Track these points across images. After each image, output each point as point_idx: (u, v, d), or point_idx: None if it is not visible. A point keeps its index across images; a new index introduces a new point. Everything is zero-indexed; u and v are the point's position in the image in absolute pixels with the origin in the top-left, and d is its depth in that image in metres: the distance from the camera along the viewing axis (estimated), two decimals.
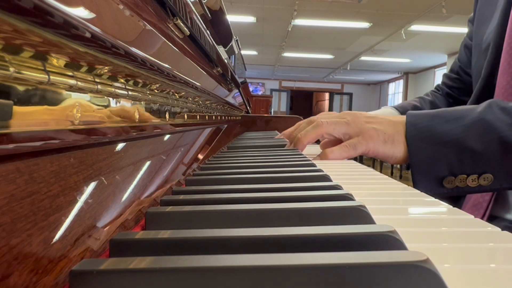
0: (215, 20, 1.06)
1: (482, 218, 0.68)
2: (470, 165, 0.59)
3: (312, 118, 0.80)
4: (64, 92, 0.22)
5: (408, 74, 11.57)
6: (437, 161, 0.60)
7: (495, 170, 0.58)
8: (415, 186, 0.61)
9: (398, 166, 6.97)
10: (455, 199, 0.79)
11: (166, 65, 0.39)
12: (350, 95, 14.13)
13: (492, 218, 0.70)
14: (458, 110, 0.64)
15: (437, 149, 0.60)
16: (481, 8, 0.84)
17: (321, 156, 0.73)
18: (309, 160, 0.61)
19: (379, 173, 0.60)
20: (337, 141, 0.76)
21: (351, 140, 0.69)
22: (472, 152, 0.59)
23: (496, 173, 0.58)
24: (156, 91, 0.41)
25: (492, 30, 0.76)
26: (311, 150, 0.86)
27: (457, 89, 0.99)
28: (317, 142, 0.84)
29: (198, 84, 0.58)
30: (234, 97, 1.46)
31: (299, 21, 6.37)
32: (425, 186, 0.61)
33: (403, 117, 0.66)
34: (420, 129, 0.63)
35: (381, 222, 0.27)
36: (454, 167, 0.60)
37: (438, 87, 1.06)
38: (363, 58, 9.32)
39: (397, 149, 0.65)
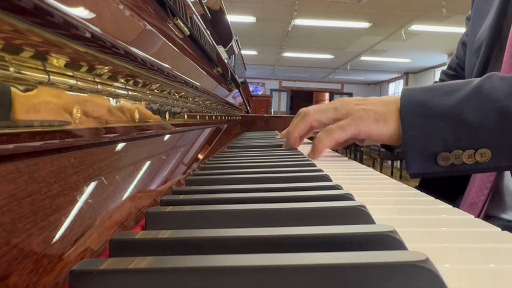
0: (215, 20, 1.06)
1: (478, 217, 0.68)
2: (466, 139, 0.55)
3: (301, 109, 0.75)
4: (64, 92, 0.22)
5: (408, 74, 11.57)
6: (431, 136, 0.56)
7: (493, 144, 0.54)
8: (407, 165, 0.58)
9: (398, 166, 6.98)
10: (453, 198, 0.79)
11: (166, 65, 0.39)
12: (350, 95, 14.11)
13: (488, 218, 0.70)
14: (455, 83, 0.60)
15: (432, 123, 0.57)
16: (478, 5, 0.83)
17: (312, 148, 0.69)
18: (309, 160, 0.61)
19: (379, 173, 0.60)
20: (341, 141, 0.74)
21: (339, 122, 0.65)
22: (468, 125, 0.55)
23: (494, 148, 0.54)
24: (156, 91, 0.41)
25: (485, 29, 0.74)
26: (308, 149, 0.86)
27: None
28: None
29: (198, 84, 0.58)
30: (234, 97, 1.46)
31: (299, 21, 6.37)
32: (418, 165, 0.57)
33: (398, 96, 0.63)
34: (415, 103, 0.59)
35: (381, 222, 0.27)
36: (449, 142, 0.56)
37: None
38: (363, 58, 9.32)
39: (391, 127, 0.61)
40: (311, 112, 0.69)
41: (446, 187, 0.77)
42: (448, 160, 0.56)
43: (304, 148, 0.79)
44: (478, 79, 0.58)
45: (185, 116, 0.56)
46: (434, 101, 0.57)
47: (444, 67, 1.05)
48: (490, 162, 0.54)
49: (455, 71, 0.97)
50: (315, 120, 0.69)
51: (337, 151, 0.98)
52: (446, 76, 1.00)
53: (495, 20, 0.72)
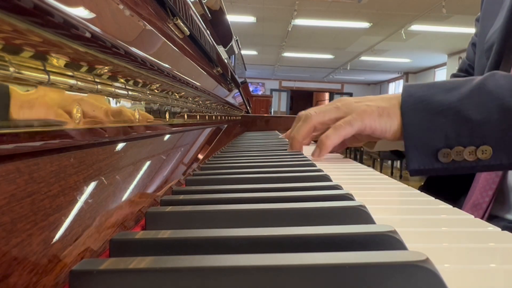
0: (215, 20, 1.06)
1: (482, 218, 0.68)
2: (468, 136, 0.54)
3: (301, 113, 0.74)
4: (64, 92, 0.22)
5: (408, 74, 11.57)
6: (432, 132, 0.56)
7: (494, 142, 0.54)
8: (408, 162, 0.58)
9: (398, 166, 6.97)
10: (455, 199, 0.79)
11: (166, 65, 0.39)
12: (350, 95, 14.10)
13: (492, 218, 0.70)
14: (458, 80, 0.60)
15: (433, 119, 0.56)
16: (487, 5, 0.82)
17: (319, 146, 0.68)
18: (309, 160, 0.61)
19: (379, 173, 0.60)
20: (346, 139, 0.74)
21: (345, 118, 0.64)
22: (469, 122, 0.54)
23: (495, 146, 0.54)
24: (156, 91, 0.41)
25: (496, 30, 0.73)
26: (308, 149, 0.86)
27: None
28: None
29: (198, 84, 0.58)
30: (234, 97, 1.46)
31: (299, 21, 6.37)
32: (418, 161, 0.57)
33: (398, 93, 0.62)
34: (416, 99, 0.58)
35: (381, 222, 0.27)
36: (450, 138, 0.55)
37: None
38: (363, 58, 9.32)
39: (394, 122, 0.60)
40: (313, 115, 0.68)
41: (450, 187, 0.77)
42: (449, 156, 0.55)
43: (305, 149, 0.79)
44: (481, 77, 0.58)
45: (185, 116, 0.56)
46: (436, 97, 0.57)
47: (444, 68, 1.04)
48: (491, 159, 0.54)
49: (467, 72, 0.95)
50: (318, 122, 0.68)
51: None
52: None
53: (506, 21, 0.71)
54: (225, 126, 1.15)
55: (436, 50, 8.34)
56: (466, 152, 0.55)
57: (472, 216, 0.33)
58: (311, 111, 0.70)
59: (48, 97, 0.20)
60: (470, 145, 0.55)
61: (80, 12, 0.20)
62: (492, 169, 0.57)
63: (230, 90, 1.28)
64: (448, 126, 0.55)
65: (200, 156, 0.65)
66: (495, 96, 0.54)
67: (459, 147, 0.55)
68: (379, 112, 0.62)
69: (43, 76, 0.19)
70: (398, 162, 6.76)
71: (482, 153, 0.54)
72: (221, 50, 1.14)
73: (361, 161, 5.67)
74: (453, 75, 1.00)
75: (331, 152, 0.83)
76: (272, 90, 13.72)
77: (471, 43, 0.93)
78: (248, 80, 3.48)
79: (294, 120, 0.76)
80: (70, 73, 0.22)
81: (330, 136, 0.65)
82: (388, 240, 0.22)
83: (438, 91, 0.58)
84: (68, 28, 0.20)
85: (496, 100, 0.54)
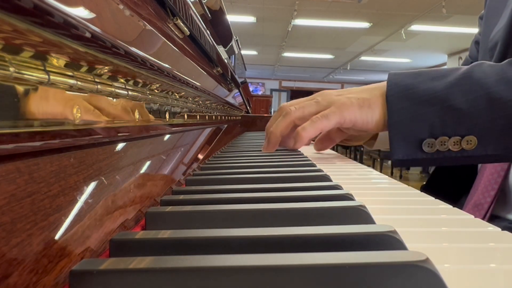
0: (215, 20, 1.06)
1: (483, 218, 0.68)
2: (453, 125, 0.54)
3: (281, 105, 0.72)
4: (64, 92, 0.22)
5: None
6: (417, 122, 0.55)
7: (480, 132, 0.53)
8: (392, 151, 0.56)
9: None
10: (456, 199, 0.79)
11: (166, 65, 0.39)
12: None
13: (493, 218, 0.70)
14: (444, 69, 0.58)
15: (418, 108, 0.55)
16: (491, 3, 0.81)
17: (295, 138, 0.67)
18: (309, 160, 0.61)
19: (379, 173, 0.60)
20: (331, 134, 0.72)
21: (323, 111, 0.63)
22: (455, 111, 0.53)
23: (481, 136, 0.53)
24: (156, 91, 0.41)
25: (500, 29, 0.72)
26: (308, 149, 0.87)
27: None
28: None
29: (198, 84, 0.58)
30: (234, 97, 1.46)
31: (299, 21, 6.37)
32: (402, 151, 0.56)
33: (383, 83, 0.61)
34: (401, 87, 0.57)
35: (381, 222, 0.27)
36: (435, 128, 0.54)
37: None
38: (363, 58, 9.33)
39: (375, 112, 0.59)
40: (292, 110, 0.67)
41: (451, 187, 0.77)
42: (434, 146, 0.55)
43: (305, 149, 0.79)
44: (467, 66, 0.57)
45: (185, 116, 0.56)
46: (422, 86, 0.56)
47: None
48: (475, 149, 0.53)
49: None
50: (297, 118, 0.67)
51: (336, 149, 0.97)
52: None
53: (511, 20, 0.70)
54: (225, 126, 1.15)
55: (436, 50, 8.34)
56: (450, 142, 0.54)
57: (472, 216, 0.33)
58: (291, 106, 0.68)
59: (48, 97, 0.20)
60: (455, 135, 0.54)
61: (80, 12, 0.20)
62: (476, 160, 0.56)
63: (230, 90, 1.28)
64: (433, 115, 0.54)
65: (200, 156, 0.65)
66: (481, 86, 0.53)
67: (444, 137, 0.54)
68: (359, 104, 0.61)
69: (43, 76, 0.19)
70: None
71: (467, 144, 0.53)
72: (221, 50, 1.14)
73: (361, 161, 5.67)
74: None
75: (321, 150, 0.82)
76: (272, 90, 13.73)
77: (474, 41, 0.92)
78: (248, 80, 3.48)
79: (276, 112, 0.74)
80: (70, 73, 0.22)
81: (306, 128, 0.64)
82: (388, 240, 0.22)
83: (423, 79, 0.57)
84: (68, 28, 0.20)
85: (482, 89, 0.53)
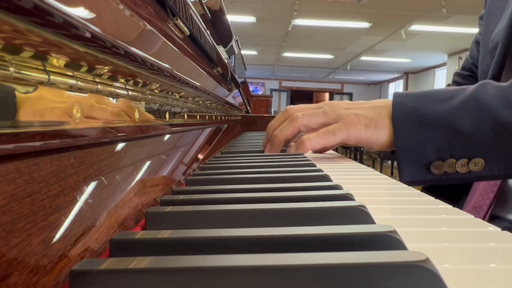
0: (215, 20, 1.06)
1: (483, 219, 0.67)
2: (460, 148, 0.54)
3: (288, 109, 0.72)
4: (64, 92, 0.22)
5: (408, 74, 11.57)
6: (424, 144, 0.56)
7: (487, 154, 0.53)
8: (400, 173, 0.57)
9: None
10: (456, 199, 0.79)
11: (166, 65, 0.39)
12: (350, 95, 14.12)
13: (493, 218, 0.70)
14: (449, 90, 0.59)
15: (425, 131, 0.56)
16: (492, 4, 0.80)
17: (298, 145, 0.67)
18: (309, 160, 0.61)
19: (379, 173, 0.60)
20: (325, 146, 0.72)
21: (330, 126, 0.64)
22: (462, 134, 0.54)
23: (487, 158, 0.54)
24: (156, 91, 0.41)
25: (501, 29, 0.72)
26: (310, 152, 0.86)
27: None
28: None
29: (198, 84, 0.58)
30: (234, 97, 1.46)
31: (299, 21, 6.37)
32: (411, 173, 0.57)
33: (389, 100, 0.61)
34: (407, 110, 0.57)
35: (381, 222, 0.27)
36: (442, 151, 0.55)
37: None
38: (363, 58, 9.33)
39: (381, 133, 0.60)
40: (300, 117, 0.67)
41: (451, 188, 0.77)
42: (442, 168, 0.56)
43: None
44: (472, 87, 0.57)
45: (185, 116, 0.56)
46: (427, 109, 0.57)
47: (445, 68, 1.03)
48: (483, 171, 0.54)
49: (470, 70, 0.94)
50: (303, 125, 0.67)
51: (336, 149, 0.97)
52: (460, 77, 0.96)
53: (511, 21, 0.69)
54: (225, 126, 1.15)
55: (436, 50, 8.34)
56: (458, 164, 0.55)
57: (472, 216, 0.33)
58: (298, 112, 0.68)
59: (48, 97, 0.20)
60: (462, 157, 0.55)
61: (80, 12, 0.20)
62: (484, 179, 0.58)
63: (230, 90, 1.28)
64: (440, 138, 0.55)
65: (200, 156, 0.65)
66: (487, 109, 0.54)
67: (452, 160, 0.55)
68: (366, 123, 0.61)
69: (43, 76, 0.19)
70: None
71: (475, 165, 0.54)
72: (221, 50, 1.14)
73: (361, 161, 5.66)
74: (456, 74, 0.99)
75: (320, 152, 0.82)
76: (272, 90, 13.73)
77: (475, 41, 0.91)
78: (248, 80, 3.48)
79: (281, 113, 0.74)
80: (70, 73, 0.22)
81: (311, 139, 0.65)
82: (388, 240, 0.22)
83: (429, 101, 0.57)
84: (68, 28, 0.20)
85: (488, 112, 0.53)
